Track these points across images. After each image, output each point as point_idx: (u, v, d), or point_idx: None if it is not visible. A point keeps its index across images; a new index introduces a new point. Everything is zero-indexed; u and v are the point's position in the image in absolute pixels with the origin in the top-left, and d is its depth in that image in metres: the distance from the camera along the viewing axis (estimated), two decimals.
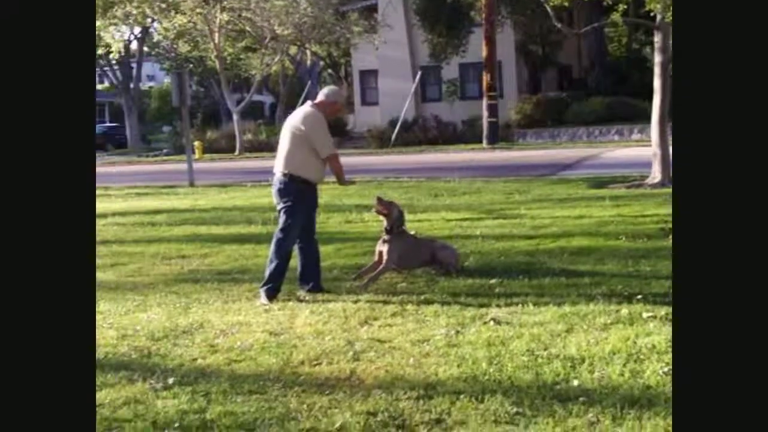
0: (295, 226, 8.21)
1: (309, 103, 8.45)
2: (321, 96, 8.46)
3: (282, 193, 8.24)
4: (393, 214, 8.85)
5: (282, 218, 8.26)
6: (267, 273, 8.21)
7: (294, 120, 8.29)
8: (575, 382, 5.33)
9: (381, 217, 9.00)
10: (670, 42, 16.71)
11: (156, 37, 56.01)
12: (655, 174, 17.20)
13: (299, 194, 8.18)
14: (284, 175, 8.21)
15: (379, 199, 9.00)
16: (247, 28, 38.94)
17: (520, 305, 7.37)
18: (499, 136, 35.26)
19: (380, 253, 8.79)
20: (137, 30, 51.78)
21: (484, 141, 34.73)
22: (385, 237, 8.80)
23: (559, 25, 18.55)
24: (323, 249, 10.70)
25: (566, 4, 17.25)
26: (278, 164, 8.31)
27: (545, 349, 6.05)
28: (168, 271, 9.97)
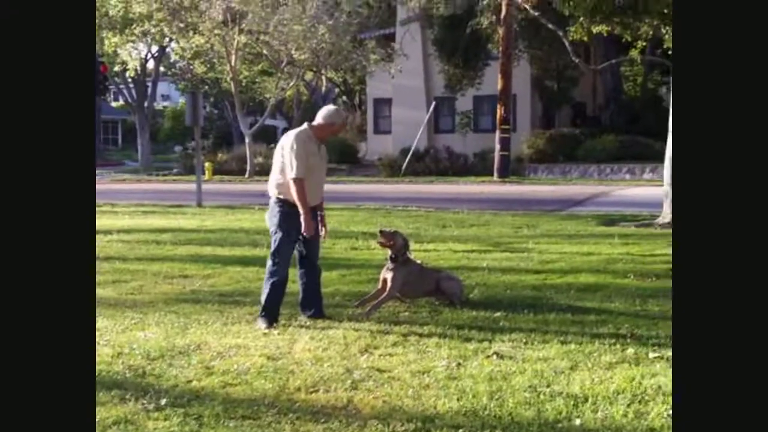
0: (283, 251, 8.06)
1: (306, 123, 8.30)
2: (318, 117, 8.24)
3: (271, 216, 8.15)
4: (397, 243, 8.77)
5: (272, 243, 8.14)
6: (262, 299, 8.10)
7: (283, 141, 8.16)
8: (577, 422, 5.20)
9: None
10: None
11: (172, 57, 56.35)
12: (666, 214, 17.06)
13: (287, 218, 8.02)
14: (273, 198, 8.11)
15: (382, 232, 8.94)
16: (264, 52, 39.01)
17: (524, 340, 7.24)
18: (511, 169, 35.14)
19: (384, 280, 8.70)
20: (154, 49, 52.05)
21: (495, 174, 34.61)
22: (390, 265, 8.71)
23: (576, 60, 18.53)
24: (327, 275, 10.61)
25: (585, 39, 17.21)
26: (270, 188, 8.21)
27: (548, 386, 5.91)
28: (169, 291, 9.86)
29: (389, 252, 8.81)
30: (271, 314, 7.97)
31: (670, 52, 17.11)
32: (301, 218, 7.89)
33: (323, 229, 8.42)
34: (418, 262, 9.27)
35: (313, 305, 8.28)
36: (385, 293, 8.56)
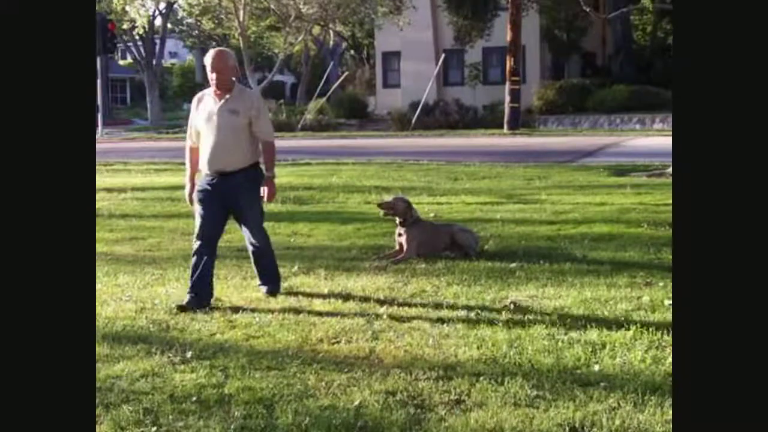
0: (197, 223, 7.38)
1: None
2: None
3: None
4: (398, 207, 8.87)
5: None
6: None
7: None
8: (596, 367, 5.28)
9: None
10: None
11: (180, 14, 56.10)
12: None
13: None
14: None
15: (380, 205, 9.04)
16: (272, 6, 38.79)
17: (540, 289, 7.33)
18: (521, 121, 35.06)
19: (400, 244, 8.80)
20: (162, 6, 51.80)
21: (505, 126, 34.53)
22: (401, 229, 8.82)
23: (586, 9, 18.39)
24: (342, 228, 10.75)
25: None
26: None
27: (566, 334, 6.00)
28: (187, 247, 9.89)
29: (397, 219, 8.90)
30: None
31: None
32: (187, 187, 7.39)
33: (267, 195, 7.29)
34: (432, 215, 9.35)
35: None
36: (402, 255, 8.67)
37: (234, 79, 7.18)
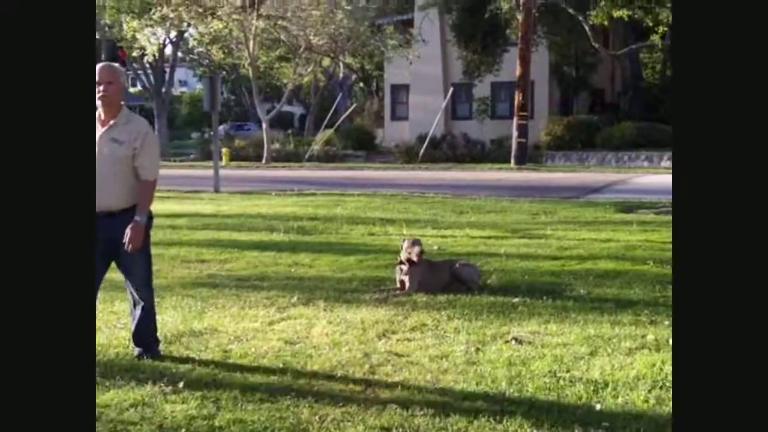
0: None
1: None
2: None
3: None
4: (419, 252, 8.75)
5: None
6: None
7: None
8: (598, 407, 5.15)
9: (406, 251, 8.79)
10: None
11: (191, 43, 56.32)
12: None
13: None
14: None
15: (415, 243, 8.87)
16: (282, 37, 38.98)
17: (543, 325, 7.19)
18: (528, 156, 35.01)
19: (401, 281, 8.69)
20: (172, 34, 52.00)
21: (512, 161, 34.48)
22: (404, 268, 8.69)
23: (596, 46, 18.35)
24: (344, 260, 10.64)
25: (605, 23, 17.08)
26: None
27: (567, 372, 5.87)
28: (186, 275, 9.85)
29: (402, 256, 8.76)
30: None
31: None
32: None
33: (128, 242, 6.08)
34: (432, 251, 9.24)
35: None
36: (404, 292, 8.56)
37: (122, 103, 6.21)
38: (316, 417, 4.97)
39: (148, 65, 50.57)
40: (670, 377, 5.69)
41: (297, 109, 68.80)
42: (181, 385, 5.57)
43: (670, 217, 15.75)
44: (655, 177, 28.45)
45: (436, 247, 11.58)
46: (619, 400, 5.28)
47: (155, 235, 13.28)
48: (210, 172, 24.34)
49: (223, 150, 36.62)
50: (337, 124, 42.91)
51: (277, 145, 40.03)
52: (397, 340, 6.78)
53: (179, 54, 56.81)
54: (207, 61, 50.42)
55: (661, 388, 5.50)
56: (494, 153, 36.87)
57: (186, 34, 52.06)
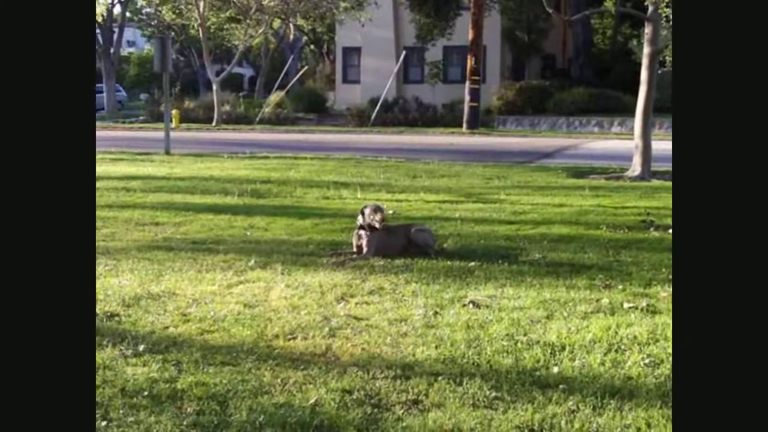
0: None
1: None
2: None
3: None
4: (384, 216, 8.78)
5: None
6: None
7: None
8: (555, 369, 5.23)
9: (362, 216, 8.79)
10: (661, 34, 16.63)
11: (139, 3, 55.54)
12: (636, 166, 17.13)
13: None
14: None
15: (379, 209, 8.82)
16: None
17: (499, 289, 7.26)
18: (480, 121, 35.15)
19: (359, 246, 8.71)
20: None
21: (464, 125, 34.61)
22: (360, 232, 8.71)
23: (550, 11, 18.38)
24: (300, 223, 10.63)
25: None
26: None
27: (525, 335, 5.94)
28: (141, 238, 9.79)
29: (359, 221, 8.76)
30: None
31: (644, 4, 16.99)
32: None
33: None
34: (390, 212, 9.26)
35: None
36: (361, 256, 8.58)
37: None
38: (278, 380, 4.99)
39: (96, 25, 49.75)
40: (624, 340, 5.80)
41: (247, 71, 68.16)
42: (141, 348, 5.56)
43: (620, 183, 15.96)
44: (606, 142, 28.72)
45: (391, 212, 11.61)
46: (576, 362, 5.36)
47: (108, 196, 13.24)
48: (160, 134, 24.12)
49: (173, 112, 36.23)
50: (288, 86, 42.64)
51: (227, 108, 39.69)
52: (356, 303, 6.81)
53: (128, 14, 55.97)
54: (156, 21, 49.76)
55: (616, 351, 5.59)
56: (446, 117, 36.93)
57: None
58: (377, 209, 8.82)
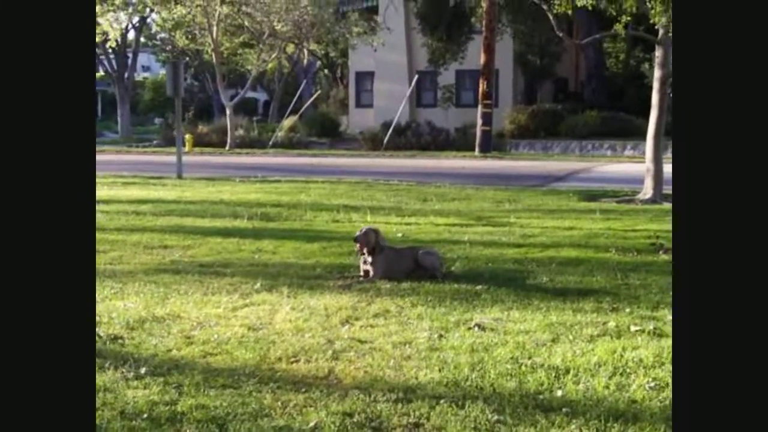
0: None
1: None
2: None
3: None
4: (371, 241, 8.67)
5: None
6: None
7: None
8: (559, 393, 5.18)
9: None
10: (671, 57, 16.61)
11: (153, 28, 55.93)
12: (647, 189, 17.09)
13: None
14: None
15: (356, 240, 8.75)
16: (246, 23, 38.78)
17: (505, 312, 7.22)
18: (492, 145, 35.18)
19: (365, 271, 8.68)
20: (135, 19, 51.58)
21: (477, 149, 34.64)
22: (367, 257, 8.67)
23: (560, 34, 18.41)
24: (308, 247, 10.61)
25: (569, 12, 17.12)
26: None
27: (529, 358, 5.89)
28: (149, 261, 9.79)
29: (365, 250, 8.72)
30: None
31: (655, 27, 16.98)
32: None
33: None
34: (397, 238, 9.21)
35: None
36: (368, 279, 8.56)
37: None
38: (279, 402, 4.96)
39: (110, 50, 50.10)
40: (630, 364, 5.74)
41: (261, 96, 68.52)
42: (143, 371, 5.54)
43: (631, 206, 15.91)
44: (618, 165, 28.68)
45: (400, 234, 11.60)
46: (580, 386, 5.31)
47: (118, 220, 13.27)
48: (174, 158, 24.19)
49: (187, 136, 36.39)
50: (301, 110, 42.81)
51: (241, 132, 39.82)
52: (361, 326, 6.78)
53: (142, 39, 56.38)
54: (170, 46, 50.05)
55: (621, 374, 5.54)
56: (459, 141, 36.97)
57: (149, 20, 51.74)
58: (357, 239, 8.73)
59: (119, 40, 44.67)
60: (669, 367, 5.63)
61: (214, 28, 37.26)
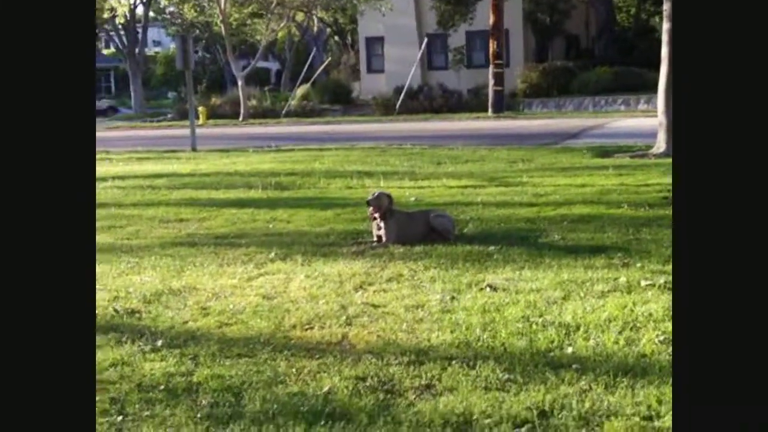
0: None
1: None
2: None
3: None
4: (383, 205, 8.73)
5: None
6: None
7: None
8: (569, 350, 5.24)
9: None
10: None
11: (162, 2, 55.81)
12: (660, 143, 17.03)
13: None
14: None
15: (369, 203, 8.80)
16: None
17: (517, 272, 7.28)
18: (505, 104, 35.07)
19: (378, 236, 8.74)
20: None
21: (490, 110, 34.53)
22: (379, 222, 8.72)
23: None
24: (322, 214, 10.67)
25: None
26: None
27: (540, 316, 5.96)
28: (165, 234, 9.89)
29: (377, 214, 8.78)
30: None
31: None
32: None
33: None
34: (410, 202, 9.26)
35: None
36: (381, 244, 8.62)
37: None
38: (293, 369, 5.05)
39: (120, 26, 50.10)
40: (640, 318, 5.80)
41: (273, 65, 68.37)
42: (159, 343, 5.63)
43: (644, 160, 15.88)
44: (632, 120, 28.56)
45: (413, 198, 11.65)
46: (590, 342, 5.37)
47: (134, 195, 13.38)
48: (187, 132, 24.27)
49: (200, 108, 36.40)
50: (313, 78, 42.75)
51: (254, 102, 39.80)
52: (374, 291, 6.85)
53: (151, 14, 56.31)
54: (179, 19, 50.00)
55: (631, 329, 5.59)
56: (471, 102, 36.87)
57: None
58: (369, 203, 8.80)
59: (128, 15, 44.64)
60: None
61: (222, 0, 37.17)
